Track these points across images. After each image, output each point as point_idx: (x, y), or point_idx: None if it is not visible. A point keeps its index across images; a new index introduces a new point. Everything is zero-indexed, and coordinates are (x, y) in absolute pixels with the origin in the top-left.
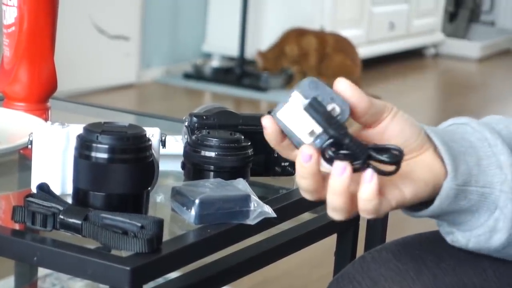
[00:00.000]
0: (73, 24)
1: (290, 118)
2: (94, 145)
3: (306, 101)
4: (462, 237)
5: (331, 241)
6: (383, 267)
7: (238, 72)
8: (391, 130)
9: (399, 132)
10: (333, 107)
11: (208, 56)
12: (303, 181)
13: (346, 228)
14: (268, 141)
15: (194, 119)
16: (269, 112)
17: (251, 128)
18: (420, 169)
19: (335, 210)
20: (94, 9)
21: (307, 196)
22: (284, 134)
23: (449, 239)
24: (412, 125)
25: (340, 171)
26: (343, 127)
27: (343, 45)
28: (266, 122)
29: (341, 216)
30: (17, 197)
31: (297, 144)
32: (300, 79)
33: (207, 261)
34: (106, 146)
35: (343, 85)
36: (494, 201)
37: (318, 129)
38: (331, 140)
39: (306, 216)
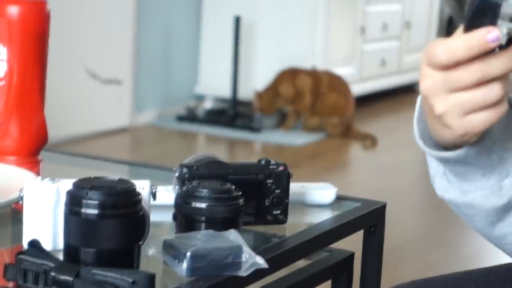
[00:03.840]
0: (65, 69)
1: None
2: (84, 201)
3: None
4: (461, 191)
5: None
6: None
7: (231, 113)
8: None
9: None
10: None
11: (201, 98)
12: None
13: (340, 274)
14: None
15: (185, 169)
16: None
17: (242, 177)
18: None
19: None
20: (86, 53)
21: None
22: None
23: (442, 191)
24: None
25: None
26: None
27: (337, 84)
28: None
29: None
30: (9, 253)
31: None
32: (294, 119)
33: None
34: (96, 202)
35: None
36: (509, 168)
37: None
38: None
39: (301, 262)
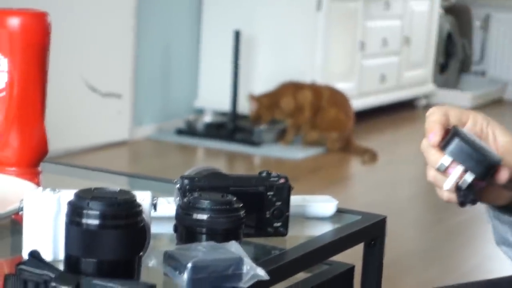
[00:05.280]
0: (65, 82)
1: None
2: (84, 211)
3: None
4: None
5: None
6: None
7: (231, 127)
8: None
9: None
10: None
11: (200, 111)
12: None
13: (341, 287)
14: None
15: (186, 181)
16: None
17: (243, 189)
18: None
19: None
20: (86, 67)
21: None
22: None
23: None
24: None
25: None
26: None
27: (338, 99)
28: None
29: None
30: (10, 264)
31: None
32: (294, 134)
33: None
34: (97, 212)
35: None
36: None
37: None
38: None
39: (301, 274)
